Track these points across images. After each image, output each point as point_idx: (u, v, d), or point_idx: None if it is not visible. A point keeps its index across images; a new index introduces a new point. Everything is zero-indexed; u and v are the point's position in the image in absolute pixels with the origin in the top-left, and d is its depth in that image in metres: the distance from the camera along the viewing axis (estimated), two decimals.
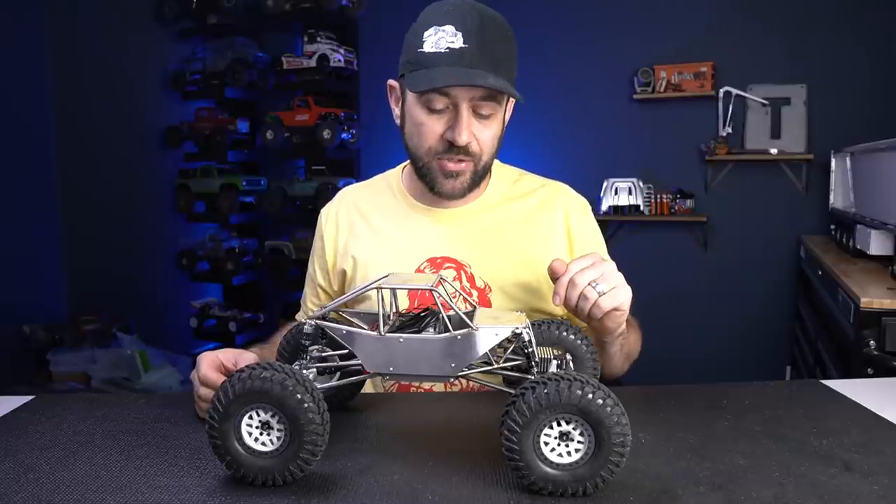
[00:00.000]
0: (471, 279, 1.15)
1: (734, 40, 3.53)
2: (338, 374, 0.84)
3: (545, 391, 0.66)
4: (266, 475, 0.71)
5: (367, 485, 0.73)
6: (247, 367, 0.70)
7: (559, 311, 1.11)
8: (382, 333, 0.76)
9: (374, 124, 4.16)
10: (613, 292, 0.94)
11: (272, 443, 0.71)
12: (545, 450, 0.68)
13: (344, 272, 1.22)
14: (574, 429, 0.67)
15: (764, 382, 1.09)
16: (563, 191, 1.26)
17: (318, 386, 0.73)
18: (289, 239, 4.17)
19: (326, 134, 3.88)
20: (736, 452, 0.80)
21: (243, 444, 0.71)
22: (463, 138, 1.06)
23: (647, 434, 0.88)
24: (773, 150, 3.46)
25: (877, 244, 2.32)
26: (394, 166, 1.31)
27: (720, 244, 3.65)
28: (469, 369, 0.77)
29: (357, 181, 1.39)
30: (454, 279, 1.14)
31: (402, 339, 0.76)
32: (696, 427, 0.92)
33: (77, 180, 3.68)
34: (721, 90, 3.48)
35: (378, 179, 1.29)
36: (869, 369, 1.83)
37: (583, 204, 1.25)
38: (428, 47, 1.02)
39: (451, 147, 1.08)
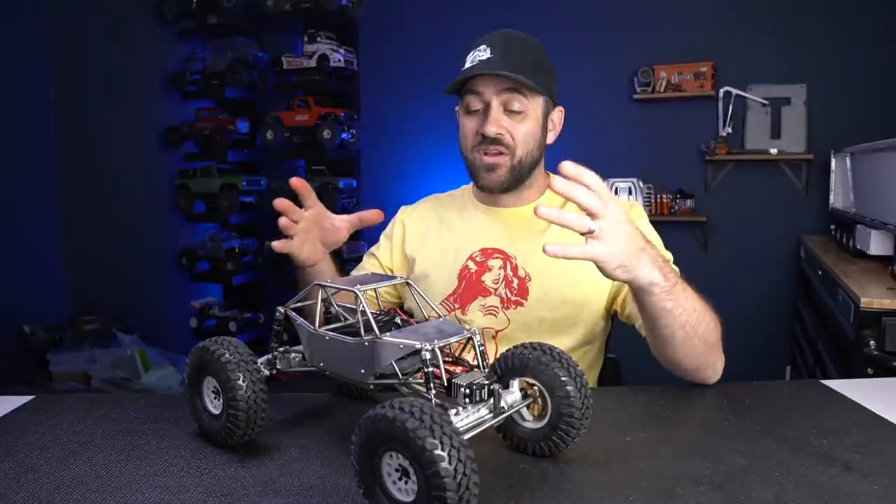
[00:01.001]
0: (514, 269, 1.27)
1: (734, 40, 3.53)
2: (297, 360, 0.88)
3: (373, 419, 0.61)
4: (211, 434, 0.85)
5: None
6: (210, 340, 0.83)
7: (599, 301, 1.24)
8: (316, 329, 0.82)
9: (374, 124, 4.16)
10: (601, 241, 0.86)
11: (216, 408, 0.84)
12: (387, 481, 0.62)
13: (414, 259, 1.36)
14: (409, 465, 0.59)
15: (764, 382, 1.09)
16: None
17: (262, 369, 0.83)
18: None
19: (326, 134, 3.88)
20: (736, 452, 0.80)
21: (205, 408, 0.85)
22: (491, 129, 1.20)
23: (648, 434, 0.88)
24: (773, 150, 3.45)
25: (877, 244, 2.32)
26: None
27: (720, 244, 3.65)
28: (379, 378, 0.77)
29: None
30: (500, 267, 1.27)
31: (328, 338, 0.81)
32: (696, 427, 0.93)
33: (77, 180, 3.68)
34: (721, 90, 3.48)
35: (457, 191, 1.45)
36: (869, 369, 1.83)
37: (633, 208, 1.29)
38: (466, 65, 1.22)
39: (485, 139, 1.22)
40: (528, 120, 1.23)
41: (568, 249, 0.85)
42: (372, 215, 1.21)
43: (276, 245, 1.14)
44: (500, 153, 1.23)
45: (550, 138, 1.31)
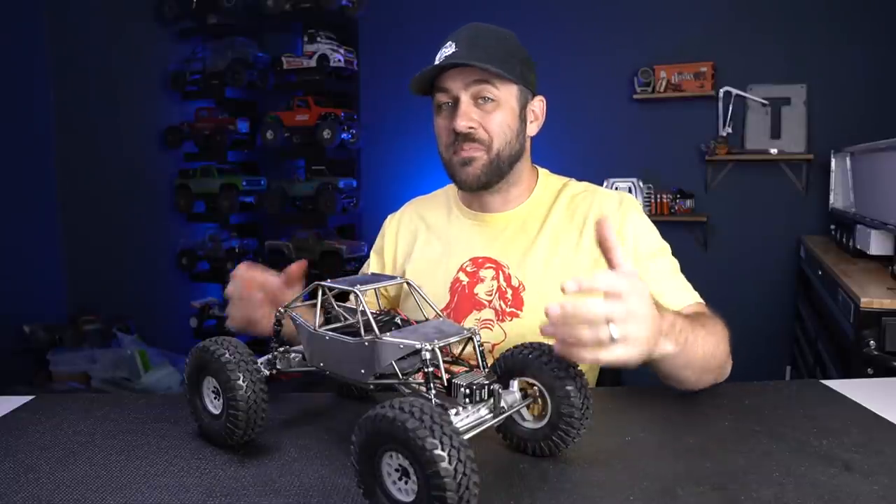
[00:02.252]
0: (507, 278, 1.22)
1: (734, 40, 3.53)
2: (297, 360, 0.88)
3: (373, 419, 0.61)
4: (211, 434, 0.85)
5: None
6: (210, 340, 0.84)
7: None
8: (316, 329, 0.82)
9: (374, 124, 4.16)
10: (625, 344, 0.76)
11: (216, 408, 0.84)
12: (387, 481, 0.62)
13: (404, 271, 1.31)
14: (409, 465, 0.60)
15: (764, 382, 1.09)
16: (599, 193, 1.28)
17: (262, 369, 0.84)
18: (289, 239, 4.17)
19: (326, 134, 3.88)
20: (736, 452, 0.80)
21: (205, 408, 0.85)
22: (461, 123, 1.15)
23: (648, 434, 0.88)
24: (773, 150, 3.45)
25: (877, 244, 2.31)
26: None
27: (720, 244, 3.65)
28: (379, 378, 0.77)
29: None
30: (492, 278, 1.23)
31: (328, 338, 0.81)
32: (696, 427, 0.92)
33: (77, 180, 3.68)
34: (721, 90, 3.48)
35: (440, 192, 1.40)
36: (869, 369, 1.83)
37: (624, 201, 1.24)
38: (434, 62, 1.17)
39: (458, 136, 1.17)
40: (502, 110, 1.17)
41: (598, 359, 0.76)
42: (295, 268, 1.09)
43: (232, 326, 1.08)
44: (473, 146, 1.17)
45: (532, 130, 1.26)
